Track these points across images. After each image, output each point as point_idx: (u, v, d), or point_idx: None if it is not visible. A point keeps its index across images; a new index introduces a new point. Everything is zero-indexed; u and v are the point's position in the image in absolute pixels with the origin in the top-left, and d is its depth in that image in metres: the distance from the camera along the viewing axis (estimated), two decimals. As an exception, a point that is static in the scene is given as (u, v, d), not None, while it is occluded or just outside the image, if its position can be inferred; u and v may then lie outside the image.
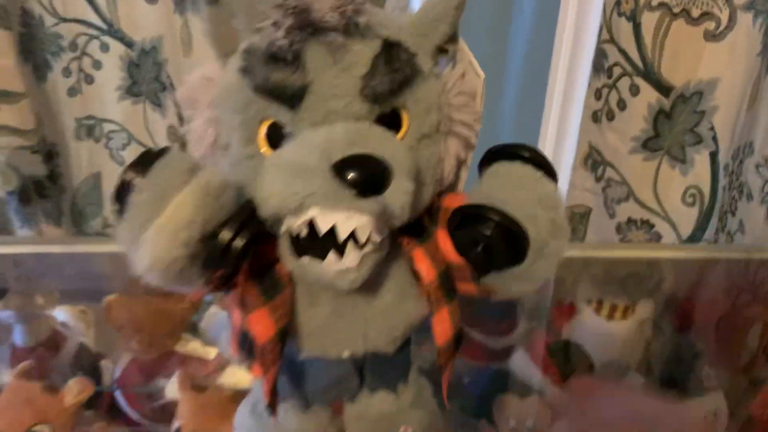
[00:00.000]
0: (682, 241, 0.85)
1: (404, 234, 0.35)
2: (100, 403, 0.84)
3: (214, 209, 0.30)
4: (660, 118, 0.81)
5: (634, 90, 0.81)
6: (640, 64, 0.79)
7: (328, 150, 0.29)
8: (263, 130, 0.32)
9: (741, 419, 0.74)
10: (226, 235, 0.30)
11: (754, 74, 0.76)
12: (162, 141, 0.94)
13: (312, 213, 0.29)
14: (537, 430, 0.60)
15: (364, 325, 0.36)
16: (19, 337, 0.80)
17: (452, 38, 0.35)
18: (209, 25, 0.33)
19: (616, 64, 0.81)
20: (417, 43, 0.33)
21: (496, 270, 0.35)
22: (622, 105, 0.83)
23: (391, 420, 0.43)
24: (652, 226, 0.87)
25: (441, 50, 0.35)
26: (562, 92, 0.90)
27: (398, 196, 0.30)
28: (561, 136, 0.92)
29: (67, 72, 0.90)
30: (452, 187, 0.38)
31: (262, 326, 0.33)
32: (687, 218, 0.85)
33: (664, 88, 0.79)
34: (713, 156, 0.81)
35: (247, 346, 0.35)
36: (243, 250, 0.30)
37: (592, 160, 0.89)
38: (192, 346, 0.84)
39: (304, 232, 0.30)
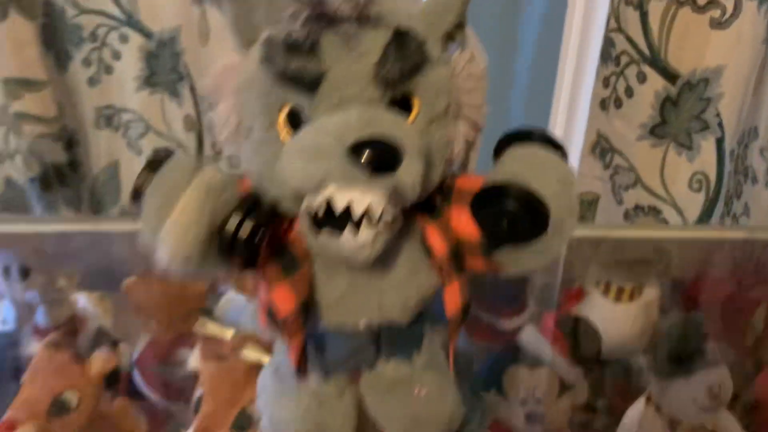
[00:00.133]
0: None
1: (417, 211, 0.37)
2: (119, 383, 0.86)
3: (218, 205, 0.33)
4: (667, 105, 0.83)
5: (642, 78, 0.83)
6: (647, 52, 0.81)
7: (343, 132, 0.31)
8: (283, 115, 0.34)
9: (747, 399, 0.75)
10: (231, 225, 0.32)
11: (759, 61, 0.78)
12: (179, 131, 0.97)
13: (329, 191, 0.31)
14: (546, 400, 0.62)
15: (379, 297, 0.38)
16: (41, 317, 0.83)
17: (460, 26, 0.37)
18: (231, 17, 0.35)
19: (623, 52, 0.83)
20: (426, 30, 0.35)
21: (515, 244, 0.37)
22: (629, 92, 0.84)
23: (405, 383, 0.45)
24: (659, 212, 0.89)
25: (449, 37, 0.37)
26: (570, 81, 0.91)
27: (409, 175, 0.31)
28: (570, 125, 0.93)
29: (87, 62, 0.92)
30: (462, 168, 0.40)
31: (284, 300, 0.35)
32: (693, 204, 0.87)
33: (670, 76, 0.81)
34: (719, 142, 0.83)
35: (275, 320, 0.37)
36: (251, 236, 0.32)
37: (600, 148, 0.91)
38: (209, 327, 0.86)
39: (322, 210, 0.32)
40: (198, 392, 0.58)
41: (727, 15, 0.76)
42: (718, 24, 0.77)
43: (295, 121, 0.33)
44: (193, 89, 0.93)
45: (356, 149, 0.30)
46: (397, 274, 0.38)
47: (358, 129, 0.31)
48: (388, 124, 0.32)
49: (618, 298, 0.78)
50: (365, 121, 0.31)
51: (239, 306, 0.91)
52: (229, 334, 0.84)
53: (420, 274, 0.38)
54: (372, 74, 0.32)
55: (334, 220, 0.32)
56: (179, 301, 0.84)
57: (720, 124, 0.82)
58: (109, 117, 0.96)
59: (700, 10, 0.77)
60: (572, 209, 0.36)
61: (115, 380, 0.74)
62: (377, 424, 0.47)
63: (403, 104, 0.34)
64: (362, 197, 0.31)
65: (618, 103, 0.86)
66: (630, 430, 0.70)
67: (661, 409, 0.65)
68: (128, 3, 0.88)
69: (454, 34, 0.36)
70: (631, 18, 0.81)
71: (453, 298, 0.37)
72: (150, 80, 0.93)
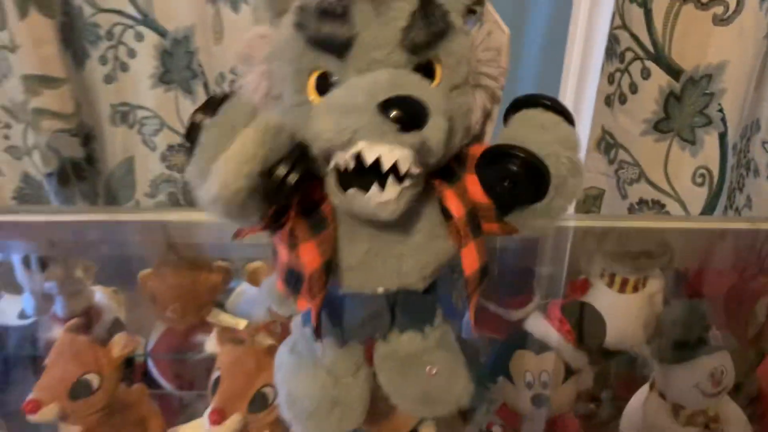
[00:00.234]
0: (692, 220, 0.88)
1: (436, 177, 0.38)
2: (135, 372, 0.88)
3: (273, 147, 0.34)
4: (670, 100, 0.84)
5: (646, 74, 0.84)
6: (651, 48, 0.82)
7: (373, 91, 0.33)
8: (313, 79, 0.35)
9: (750, 389, 0.77)
10: (282, 170, 0.33)
11: (760, 56, 0.79)
12: (192, 127, 0.99)
13: (359, 146, 0.32)
14: (552, 384, 0.64)
15: (397, 262, 0.40)
16: (59, 308, 0.85)
17: (480, 0, 0.39)
18: None
19: (628, 49, 0.85)
20: (449, 2, 0.36)
21: (519, 205, 0.38)
22: (633, 88, 0.86)
23: (418, 358, 0.47)
24: (663, 206, 0.90)
25: (470, 11, 0.38)
26: (576, 77, 0.93)
27: (435, 133, 0.33)
28: (575, 120, 0.95)
29: (103, 60, 0.94)
30: (479, 138, 0.42)
31: (311, 257, 0.37)
32: (697, 198, 0.88)
33: (674, 72, 0.82)
34: (722, 137, 0.84)
35: (292, 282, 0.39)
36: (295, 185, 0.34)
37: (605, 143, 0.92)
38: (223, 317, 0.88)
39: (351, 165, 0.33)
40: (215, 374, 0.60)
41: (730, 11, 0.77)
42: (720, 20, 0.78)
43: (323, 85, 0.35)
44: (206, 86, 0.95)
45: (386, 106, 0.32)
46: (416, 240, 0.39)
47: (387, 88, 0.32)
48: (415, 85, 0.33)
49: (622, 289, 0.79)
50: (394, 81, 0.33)
51: (251, 298, 0.93)
52: (242, 324, 0.86)
53: (438, 240, 0.40)
54: (399, 39, 0.34)
55: (360, 177, 0.33)
56: (193, 292, 0.86)
57: (723, 119, 0.83)
58: (124, 114, 0.99)
59: (703, 6, 0.78)
60: (574, 169, 0.37)
61: (129, 369, 0.76)
62: (390, 400, 0.49)
63: (427, 70, 0.35)
64: (391, 152, 0.32)
65: (622, 99, 0.88)
66: (634, 415, 0.71)
67: (664, 395, 0.67)
68: (144, 2, 0.90)
69: (474, 8, 0.38)
70: (635, 15, 0.82)
71: (471, 258, 0.39)
72: (164, 78, 0.95)
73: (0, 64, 0.92)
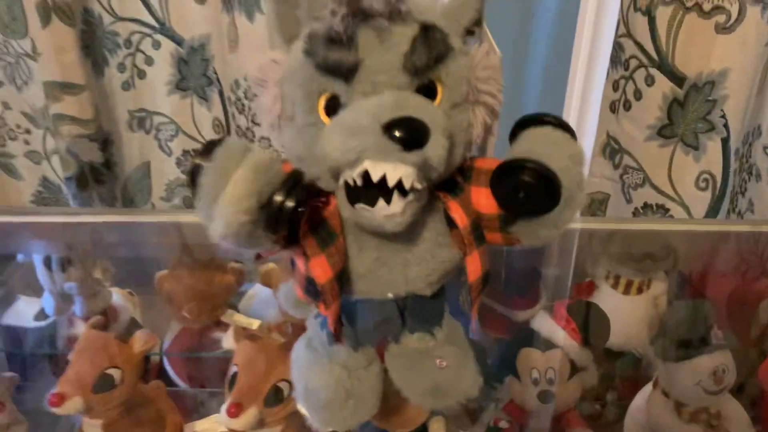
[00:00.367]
0: (696, 224, 0.90)
1: (440, 190, 0.41)
2: (150, 371, 0.91)
3: (266, 180, 0.36)
4: (674, 107, 0.86)
5: (650, 81, 0.86)
6: (655, 56, 0.84)
7: (378, 113, 0.35)
8: (322, 101, 0.38)
9: (752, 389, 0.78)
10: (278, 199, 0.36)
11: (762, 63, 0.81)
12: (208, 133, 1.01)
13: (366, 165, 0.35)
14: (558, 381, 0.65)
15: (405, 270, 0.42)
16: (78, 308, 0.87)
17: (478, 22, 0.41)
18: (275, 16, 0.39)
19: (632, 56, 0.86)
20: (449, 25, 0.39)
21: (531, 216, 0.41)
22: (638, 95, 0.88)
23: (428, 353, 0.49)
24: (667, 210, 0.92)
25: (468, 32, 0.41)
26: (581, 84, 0.95)
27: (436, 150, 0.35)
28: (581, 126, 0.97)
29: (121, 67, 0.97)
30: (481, 152, 0.44)
31: (322, 270, 0.40)
32: (700, 202, 0.90)
33: (677, 79, 0.84)
34: (725, 142, 0.85)
35: (312, 290, 0.42)
36: (294, 209, 0.36)
37: (610, 149, 0.94)
38: (237, 317, 0.90)
39: (359, 182, 0.35)
40: (232, 370, 0.62)
41: (732, 20, 0.79)
42: (723, 29, 0.80)
43: (332, 106, 0.38)
44: (221, 93, 0.98)
45: (390, 127, 0.34)
46: (421, 248, 0.42)
47: (391, 109, 0.35)
48: (417, 106, 0.36)
49: (627, 291, 0.81)
50: (397, 103, 0.35)
51: (264, 299, 0.95)
52: (255, 324, 0.88)
53: (442, 248, 0.42)
54: (402, 63, 0.36)
55: (368, 193, 0.36)
56: (208, 293, 0.88)
57: (725, 125, 0.84)
58: (141, 119, 1.01)
59: (706, 15, 0.80)
60: (581, 183, 0.40)
61: (145, 367, 0.78)
62: (401, 394, 0.51)
63: (428, 90, 0.38)
64: (395, 170, 0.34)
65: (627, 106, 0.90)
66: (638, 413, 0.73)
67: (667, 393, 0.69)
68: (161, 11, 0.92)
69: (472, 29, 0.40)
70: (639, 24, 0.84)
71: (474, 265, 0.41)
72: (181, 85, 0.98)
73: (20, 71, 0.95)
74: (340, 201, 0.39)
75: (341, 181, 0.37)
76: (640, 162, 0.91)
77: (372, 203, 0.36)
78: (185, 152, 1.03)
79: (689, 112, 0.85)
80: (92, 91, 0.95)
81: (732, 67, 0.81)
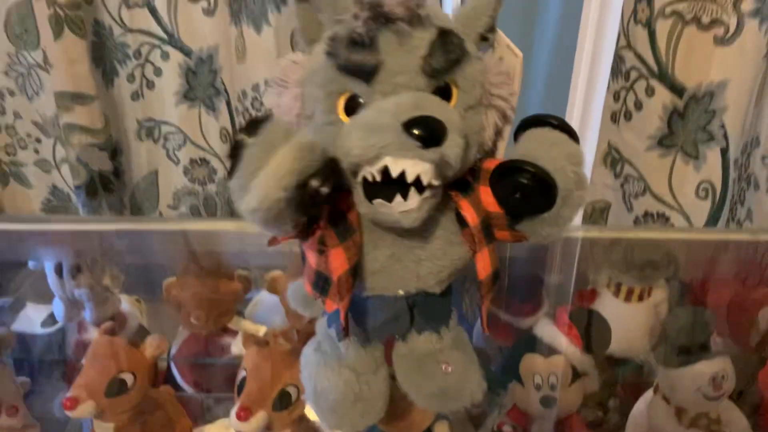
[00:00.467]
0: (696, 232, 0.91)
1: (453, 189, 0.42)
2: (158, 376, 0.92)
3: (306, 163, 0.37)
4: (674, 117, 0.87)
5: (650, 92, 0.87)
6: (655, 67, 0.85)
7: (398, 112, 0.36)
8: (342, 101, 0.39)
9: (752, 396, 0.79)
10: (315, 183, 0.37)
11: (760, 75, 0.82)
12: (215, 142, 1.03)
13: (385, 161, 0.36)
14: (560, 386, 0.67)
15: (417, 267, 0.44)
16: (88, 314, 0.89)
17: (492, 28, 0.43)
18: (298, 19, 0.41)
19: (633, 68, 0.88)
20: (464, 31, 0.40)
21: (529, 215, 0.42)
22: (638, 106, 0.89)
23: (434, 357, 0.51)
24: (667, 218, 0.93)
25: (483, 38, 0.42)
26: (583, 95, 0.96)
27: (453, 149, 0.37)
28: (582, 136, 0.98)
29: (131, 78, 0.99)
30: (491, 154, 0.46)
31: (339, 261, 0.41)
32: (700, 211, 0.91)
33: (677, 90, 0.85)
34: (724, 152, 0.87)
35: (320, 285, 0.43)
36: (327, 196, 0.37)
37: (611, 158, 0.96)
38: (244, 323, 0.92)
39: (378, 178, 0.37)
40: (241, 374, 0.63)
41: (730, 33, 0.80)
42: (721, 41, 0.81)
43: (351, 106, 0.39)
44: (229, 104, 0.99)
45: (409, 125, 0.35)
46: (434, 246, 0.43)
47: (410, 109, 0.36)
48: (434, 107, 0.37)
49: (628, 298, 0.83)
50: (416, 103, 0.37)
51: (269, 306, 0.96)
52: (261, 331, 0.90)
53: (454, 246, 0.43)
54: (420, 66, 0.38)
55: (386, 189, 0.37)
56: (215, 300, 0.89)
57: (725, 135, 0.86)
58: (150, 129, 1.03)
59: (705, 28, 0.81)
60: (579, 182, 0.41)
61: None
62: (407, 398, 0.53)
63: (444, 93, 0.39)
64: (414, 166, 0.36)
65: (628, 116, 0.91)
66: (639, 419, 0.74)
67: (668, 399, 0.70)
68: (170, 23, 0.94)
69: (487, 35, 0.42)
70: (640, 36, 0.85)
71: (484, 263, 0.43)
72: (189, 95, 1.00)
73: (32, 81, 0.97)
74: (357, 197, 0.40)
75: (359, 178, 0.38)
76: (641, 171, 0.93)
77: (390, 199, 0.37)
78: (192, 161, 1.05)
79: (689, 122, 0.87)
80: (102, 101, 0.97)
81: (731, 78, 0.83)
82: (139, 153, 1.04)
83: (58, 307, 0.91)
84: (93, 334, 0.84)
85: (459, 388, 0.51)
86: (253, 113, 0.97)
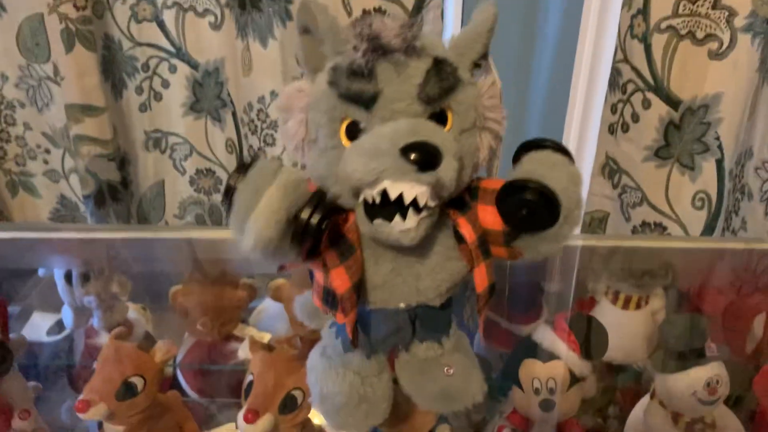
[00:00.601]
0: (692, 242, 0.93)
1: (450, 207, 0.44)
2: (164, 382, 0.93)
3: (294, 198, 0.39)
4: (670, 129, 0.89)
5: (646, 104, 0.89)
6: (651, 80, 0.87)
7: (396, 138, 0.38)
8: (344, 126, 0.42)
9: (748, 403, 0.81)
10: (305, 214, 0.39)
11: (753, 88, 0.84)
12: (221, 153, 1.05)
13: (384, 184, 0.38)
14: (559, 390, 0.68)
15: (417, 281, 0.46)
16: (96, 321, 0.91)
17: (484, 56, 0.45)
18: (302, 50, 0.43)
19: (629, 81, 0.90)
20: (458, 59, 0.43)
21: (533, 232, 0.44)
22: (635, 118, 0.91)
23: (436, 361, 0.52)
24: (664, 228, 0.95)
25: (476, 65, 0.45)
26: (581, 107, 0.98)
27: (448, 172, 0.39)
28: (581, 147, 1.00)
29: (139, 90, 1.01)
30: (487, 173, 0.48)
31: (341, 280, 0.43)
32: (696, 220, 0.93)
33: (673, 102, 0.87)
34: (719, 163, 0.88)
35: (329, 300, 0.45)
36: (319, 224, 0.39)
37: (609, 169, 0.98)
38: (249, 331, 0.93)
39: (377, 200, 0.39)
40: (248, 378, 0.65)
41: (724, 47, 0.83)
42: (715, 55, 0.83)
43: (352, 131, 0.41)
44: (234, 115, 1.01)
45: (407, 150, 0.38)
46: (432, 261, 0.45)
47: (407, 135, 0.38)
48: (430, 132, 0.39)
49: (626, 306, 0.84)
50: (413, 129, 0.39)
51: (274, 314, 0.98)
52: (266, 338, 0.91)
53: (451, 261, 0.46)
54: (416, 93, 0.40)
55: (385, 210, 0.39)
56: (221, 307, 0.91)
57: (719, 147, 0.87)
58: (157, 140, 1.05)
59: (699, 42, 0.83)
60: (579, 202, 0.43)
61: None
62: (410, 401, 0.55)
63: (440, 118, 0.42)
64: (411, 189, 0.38)
65: (625, 128, 0.93)
66: (637, 423, 0.76)
67: (664, 403, 0.71)
68: (178, 37, 0.96)
69: (479, 63, 0.44)
70: (636, 50, 0.87)
71: (481, 277, 0.45)
72: (195, 107, 1.02)
73: (42, 93, 0.99)
74: (358, 217, 0.42)
75: (360, 199, 0.40)
76: (638, 182, 0.95)
77: (389, 219, 0.39)
78: (198, 171, 1.07)
79: (685, 134, 0.89)
80: (111, 112, 0.98)
81: (725, 91, 0.85)
82: (146, 163, 1.06)
83: (67, 314, 0.93)
84: (102, 339, 0.86)
85: (461, 389, 0.53)
86: (259, 125, 0.99)
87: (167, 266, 0.97)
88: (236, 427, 0.64)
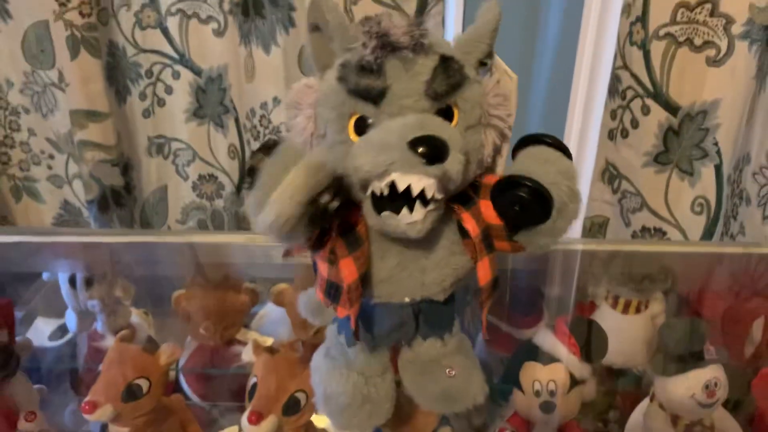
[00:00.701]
0: (692, 247, 0.94)
1: (455, 202, 0.45)
2: (167, 386, 0.94)
3: (317, 180, 0.40)
4: (669, 134, 0.90)
5: (646, 110, 0.90)
6: (650, 87, 0.88)
7: (404, 132, 0.39)
8: (352, 122, 0.42)
9: (747, 406, 0.81)
10: (325, 198, 0.40)
11: (750, 94, 0.85)
12: (224, 158, 1.06)
13: (393, 176, 0.39)
14: (559, 393, 0.69)
15: (421, 275, 0.47)
16: (100, 325, 0.91)
17: (489, 54, 0.46)
18: (311, 47, 0.44)
19: (629, 87, 0.91)
20: (464, 57, 0.44)
21: (527, 226, 0.45)
22: (635, 124, 0.92)
23: (438, 362, 0.53)
24: (664, 233, 0.96)
25: (481, 63, 0.46)
26: (581, 113, 0.99)
27: (454, 165, 0.40)
28: (581, 153, 1.01)
29: (143, 96, 1.02)
30: (491, 170, 0.49)
31: (349, 270, 0.44)
32: (696, 225, 0.94)
33: (672, 108, 0.88)
34: (717, 168, 0.89)
35: (332, 293, 0.46)
36: (336, 210, 0.40)
37: (609, 174, 0.99)
38: (251, 335, 0.94)
39: (385, 192, 0.40)
40: (252, 380, 0.65)
41: (722, 54, 0.84)
42: (713, 62, 0.84)
43: (360, 127, 0.42)
44: (237, 121, 1.02)
45: (415, 144, 0.38)
46: (437, 255, 0.46)
47: (415, 129, 0.39)
48: (438, 127, 0.40)
49: (625, 310, 0.85)
50: (421, 123, 0.40)
51: (276, 318, 0.99)
52: (268, 342, 0.92)
53: (456, 255, 0.46)
54: (424, 89, 0.41)
55: (393, 202, 0.40)
56: (223, 312, 0.91)
57: (718, 152, 0.89)
58: (160, 145, 1.06)
59: (697, 49, 0.85)
60: (573, 195, 0.44)
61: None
62: (412, 402, 0.55)
63: (446, 114, 0.42)
64: (419, 181, 0.39)
65: (624, 134, 0.94)
66: (637, 426, 0.76)
67: (663, 406, 0.72)
68: (181, 43, 0.97)
69: (485, 61, 0.45)
70: (635, 57, 0.88)
71: (485, 270, 0.46)
72: (198, 113, 1.03)
73: (46, 99, 1.00)
74: (366, 210, 0.43)
75: (368, 192, 0.41)
76: (638, 187, 0.95)
77: (397, 211, 0.40)
78: (201, 177, 1.08)
79: (684, 139, 0.90)
80: (115, 118, 0.99)
81: (723, 97, 0.86)
82: (149, 169, 1.07)
83: (70, 318, 0.93)
84: (105, 342, 0.87)
85: (462, 390, 0.53)
86: (261, 130, 1.00)
87: (170, 270, 0.97)
88: (239, 430, 0.65)
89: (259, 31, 0.93)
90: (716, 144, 0.89)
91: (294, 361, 0.65)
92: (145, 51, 0.99)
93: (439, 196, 0.40)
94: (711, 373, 0.68)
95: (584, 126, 0.99)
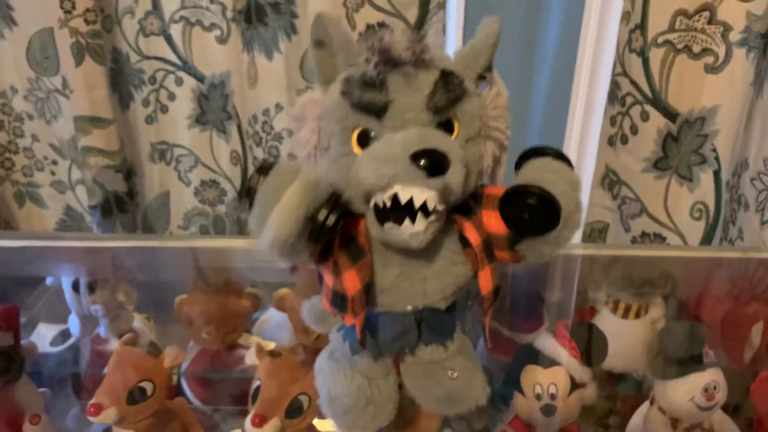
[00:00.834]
0: (691, 252, 0.94)
1: (456, 213, 0.46)
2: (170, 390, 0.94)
3: (313, 198, 0.41)
4: (668, 141, 0.91)
5: (645, 116, 0.91)
6: (649, 93, 0.89)
7: (406, 145, 0.40)
8: (355, 135, 0.43)
9: (747, 411, 0.82)
10: (322, 214, 0.41)
11: (748, 101, 0.86)
12: (226, 164, 1.07)
13: (395, 189, 0.40)
14: (559, 396, 0.70)
15: (423, 284, 0.47)
16: (103, 329, 0.92)
17: (489, 68, 0.47)
18: (315, 62, 0.45)
19: (628, 94, 0.92)
20: (464, 71, 0.45)
21: (534, 235, 0.46)
22: (634, 130, 0.93)
23: (440, 364, 0.54)
24: (663, 238, 0.96)
25: (481, 77, 0.46)
26: (581, 120, 1.00)
27: (455, 177, 0.41)
28: (581, 159, 1.02)
29: (146, 102, 1.03)
30: (491, 180, 0.49)
31: (352, 282, 0.45)
32: (695, 231, 0.94)
33: (671, 115, 0.89)
34: (716, 174, 0.90)
35: (338, 302, 0.47)
36: (334, 225, 0.41)
37: (609, 180, 0.99)
38: (253, 339, 0.94)
39: (388, 204, 0.41)
40: (255, 383, 0.66)
41: (720, 61, 0.85)
42: (711, 69, 0.85)
43: (363, 140, 0.43)
44: (239, 127, 1.03)
45: (416, 157, 0.39)
46: (439, 265, 0.47)
47: (417, 142, 0.40)
48: (439, 140, 0.41)
49: (625, 315, 0.85)
50: (422, 137, 0.41)
51: (278, 323, 0.99)
52: (270, 347, 0.92)
53: (457, 265, 0.47)
54: (425, 103, 0.42)
55: (395, 214, 0.41)
56: (225, 317, 0.92)
57: (716, 158, 0.89)
58: (162, 152, 1.07)
59: (696, 56, 0.85)
60: (578, 206, 0.45)
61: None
62: (415, 403, 0.56)
63: (447, 126, 0.43)
64: (421, 193, 0.40)
65: (624, 140, 0.95)
66: (636, 429, 0.77)
67: (663, 409, 0.72)
68: (185, 50, 0.98)
69: (484, 75, 0.46)
70: (634, 64, 0.89)
71: (486, 279, 0.47)
72: (201, 119, 1.04)
73: (50, 105, 1.01)
74: (369, 221, 0.44)
75: (371, 204, 0.42)
76: (638, 193, 0.96)
77: (399, 223, 0.41)
78: (203, 183, 1.08)
79: (682, 145, 0.90)
80: (119, 124, 1.00)
81: (721, 104, 0.87)
82: (152, 174, 1.08)
83: (74, 323, 0.94)
84: (109, 346, 0.87)
85: (464, 392, 0.54)
86: (263, 137, 1.01)
87: (172, 275, 0.98)
88: (242, 433, 0.65)
89: (262, 37, 0.94)
90: (715, 150, 0.89)
91: (297, 365, 0.66)
92: (148, 58, 1.00)
93: (440, 207, 0.41)
94: (710, 376, 0.68)
95: (584, 132, 1.00)
